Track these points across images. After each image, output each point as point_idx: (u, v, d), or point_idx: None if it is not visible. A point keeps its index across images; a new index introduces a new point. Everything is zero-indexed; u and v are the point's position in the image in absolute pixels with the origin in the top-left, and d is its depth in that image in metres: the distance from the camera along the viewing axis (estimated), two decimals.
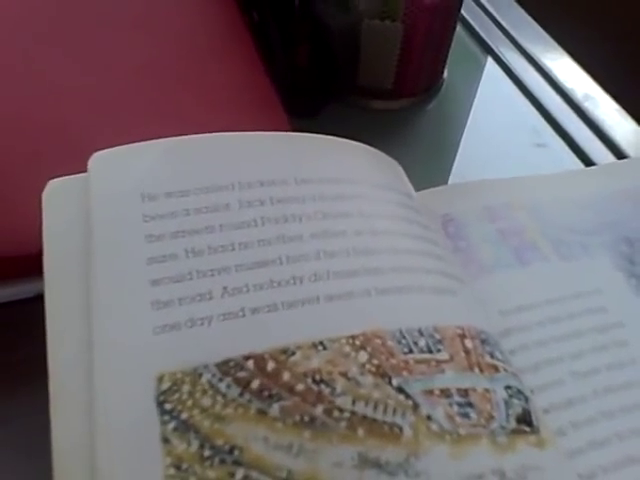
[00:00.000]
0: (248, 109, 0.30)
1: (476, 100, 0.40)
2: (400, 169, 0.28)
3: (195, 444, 0.18)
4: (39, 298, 0.21)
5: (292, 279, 0.21)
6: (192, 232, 0.21)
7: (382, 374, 0.20)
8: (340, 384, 0.20)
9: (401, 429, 0.19)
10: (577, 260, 0.29)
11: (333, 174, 0.24)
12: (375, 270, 0.22)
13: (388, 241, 0.23)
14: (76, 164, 0.23)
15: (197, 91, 0.30)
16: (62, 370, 0.19)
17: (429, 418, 0.20)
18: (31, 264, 0.22)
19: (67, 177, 0.23)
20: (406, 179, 0.28)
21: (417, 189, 0.30)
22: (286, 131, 0.29)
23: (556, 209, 0.31)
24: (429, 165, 0.36)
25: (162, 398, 0.19)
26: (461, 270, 0.27)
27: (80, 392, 0.19)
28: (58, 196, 0.23)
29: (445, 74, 0.41)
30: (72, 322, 0.20)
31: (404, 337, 0.21)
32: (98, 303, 0.20)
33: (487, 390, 0.21)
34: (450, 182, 0.34)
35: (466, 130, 0.38)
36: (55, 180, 0.23)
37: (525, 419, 0.21)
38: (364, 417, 0.19)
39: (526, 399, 0.22)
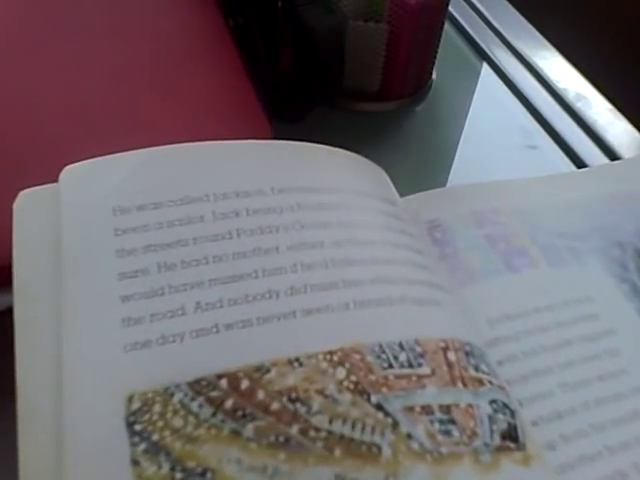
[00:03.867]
0: (229, 116, 0.29)
1: (466, 101, 0.39)
2: (383, 174, 0.28)
3: (166, 466, 0.17)
4: (10, 311, 0.20)
5: (268, 293, 0.21)
6: (164, 246, 0.21)
7: (360, 391, 0.19)
8: (317, 402, 0.19)
9: (380, 449, 0.18)
10: (567, 266, 0.28)
11: (311, 183, 0.24)
12: (354, 282, 0.21)
13: (368, 251, 0.22)
14: (49, 173, 0.22)
15: (176, 97, 0.29)
16: (30, 387, 0.19)
17: (409, 436, 0.19)
18: (2, 276, 0.22)
19: (38, 187, 0.22)
20: (389, 185, 0.27)
21: (405, 193, 0.29)
22: (268, 137, 0.29)
23: (546, 213, 0.30)
24: (417, 169, 0.35)
25: (132, 419, 0.18)
26: (447, 278, 0.27)
27: (49, 410, 0.18)
28: (29, 207, 0.22)
29: (434, 75, 0.40)
30: (42, 338, 0.20)
31: (384, 352, 0.20)
32: (67, 320, 0.19)
33: (470, 405, 0.20)
34: (439, 186, 0.34)
35: (455, 132, 0.37)
36: (26, 191, 0.22)
37: (510, 435, 0.20)
38: (341, 437, 0.18)
39: (512, 413, 0.21)
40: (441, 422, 0.19)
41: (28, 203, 0.22)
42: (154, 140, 0.24)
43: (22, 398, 0.19)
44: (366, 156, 0.28)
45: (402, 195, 0.29)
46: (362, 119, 0.37)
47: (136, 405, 0.18)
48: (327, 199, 0.23)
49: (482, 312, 0.26)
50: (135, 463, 0.17)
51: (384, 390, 0.20)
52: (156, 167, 0.22)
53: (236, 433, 0.18)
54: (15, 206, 0.22)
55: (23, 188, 0.22)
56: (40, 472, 0.17)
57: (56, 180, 0.22)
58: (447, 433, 0.19)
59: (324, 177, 0.24)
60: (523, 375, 0.24)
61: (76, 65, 0.30)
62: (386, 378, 0.20)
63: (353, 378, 0.19)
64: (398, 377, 0.20)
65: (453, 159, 0.36)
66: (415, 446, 0.19)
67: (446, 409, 0.20)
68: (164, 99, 0.29)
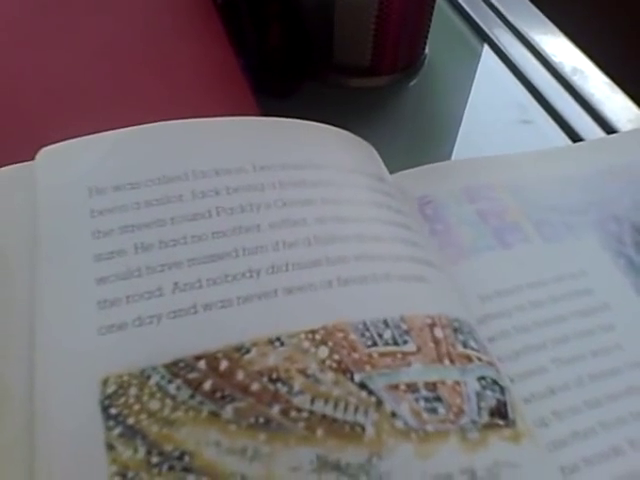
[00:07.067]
0: (214, 92, 0.29)
1: (459, 76, 0.39)
2: (371, 150, 0.27)
3: (142, 450, 0.17)
4: None
5: (248, 272, 0.20)
6: (142, 226, 0.20)
7: (343, 370, 0.19)
8: (298, 382, 0.18)
9: (363, 428, 0.18)
10: (562, 241, 0.27)
11: (294, 159, 0.23)
12: (338, 259, 0.21)
13: (353, 228, 0.22)
14: (32, 152, 0.22)
15: (160, 74, 0.29)
16: (4, 369, 0.18)
17: (393, 415, 0.18)
18: None
19: (16, 166, 0.22)
20: (377, 160, 0.27)
21: (398, 170, 0.29)
22: (253, 113, 0.28)
23: (540, 188, 0.30)
24: (410, 145, 0.34)
25: (107, 402, 0.18)
26: (438, 254, 0.26)
27: (22, 393, 0.18)
28: (6, 185, 0.22)
29: (427, 50, 0.40)
30: (16, 319, 0.19)
31: (368, 329, 0.20)
32: (41, 302, 0.19)
33: (458, 382, 0.20)
34: (433, 162, 0.33)
35: (449, 108, 0.37)
36: (4, 169, 0.22)
37: (499, 412, 0.20)
38: (323, 416, 0.18)
39: (502, 390, 0.21)
40: (427, 400, 0.19)
41: (6, 181, 0.22)
42: (140, 117, 0.23)
43: None
44: (357, 133, 0.27)
45: (394, 172, 0.28)
46: (353, 95, 0.37)
47: (111, 388, 0.18)
48: (310, 176, 0.23)
49: (473, 288, 0.25)
50: (110, 447, 0.17)
51: (368, 368, 0.19)
52: (133, 147, 0.22)
53: (215, 415, 0.18)
54: None
55: (6, 165, 0.22)
56: (14, 456, 0.17)
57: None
58: (433, 411, 0.19)
59: (307, 153, 0.24)
60: (515, 351, 0.24)
61: (59, 41, 0.29)
62: (370, 356, 0.19)
63: (336, 357, 0.19)
64: (382, 355, 0.19)
65: (447, 135, 0.35)
66: (400, 425, 0.18)
67: (432, 386, 0.19)
68: (150, 75, 0.29)
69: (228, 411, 0.18)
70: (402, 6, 0.33)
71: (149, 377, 0.18)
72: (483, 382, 0.20)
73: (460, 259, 0.26)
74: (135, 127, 0.22)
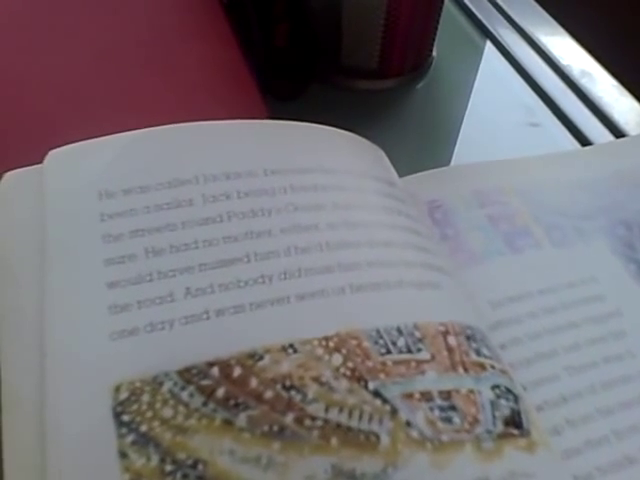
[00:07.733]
0: (222, 94, 0.29)
1: (467, 79, 0.38)
2: (381, 154, 0.27)
3: (155, 458, 0.17)
4: None
5: (260, 278, 0.20)
6: (152, 230, 0.20)
7: (357, 378, 0.19)
8: (312, 390, 0.18)
9: (378, 437, 0.18)
10: (571, 246, 0.27)
11: (305, 164, 0.23)
12: (350, 265, 0.21)
13: (364, 234, 0.22)
14: (39, 154, 0.22)
15: (168, 75, 0.29)
16: (14, 377, 0.18)
17: (408, 424, 0.18)
18: None
19: (24, 169, 0.22)
20: (388, 164, 0.27)
21: (405, 174, 0.29)
22: (262, 115, 0.28)
23: (550, 192, 0.29)
24: (418, 148, 0.34)
25: (119, 409, 0.17)
26: (448, 260, 0.26)
27: (33, 401, 0.18)
28: (15, 189, 0.21)
29: (434, 52, 0.39)
30: (26, 325, 0.19)
31: (381, 337, 0.20)
32: (51, 307, 0.19)
33: (472, 391, 0.20)
34: (440, 166, 0.33)
35: (457, 110, 0.36)
36: (12, 173, 0.22)
37: (514, 421, 0.20)
38: (338, 425, 0.18)
39: (515, 398, 0.20)
40: (441, 409, 0.19)
41: (14, 185, 0.21)
42: (146, 119, 0.23)
43: (6, 388, 0.18)
44: (365, 136, 0.27)
45: (402, 175, 0.28)
46: (360, 97, 0.36)
47: (124, 395, 0.17)
48: (321, 180, 0.23)
49: (484, 294, 0.25)
50: (123, 455, 0.17)
51: (382, 376, 0.19)
52: (143, 150, 0.22)
53: (228, 423, 0.17)
54: (0, 188, 0.21)
55: (10, 170, 0.22)
56: (25, 465, 0.17)
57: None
58: (448, 420, 0.19)
59: (318, 157, 0.23)
60: (527, 359, 0.23)
61: (65, 42, 0.29)
62: (384, 364, 0.19)
63: (350, 364, 0.19)
64: (396, 363, 0.19)
65: (455, 138, 0.35)
66: (414, 434, 0.18)
67: (446, 395, 0.19)
68: (156, 77, 0.28)
69: (242, 419, 0.17)
70: (410, 8, 0.33)
71: (161, 384, 0.18)
72: (497, 391, 0.20)
73: (471, 264, 0.26)
74: (145, 130, 0.22)
